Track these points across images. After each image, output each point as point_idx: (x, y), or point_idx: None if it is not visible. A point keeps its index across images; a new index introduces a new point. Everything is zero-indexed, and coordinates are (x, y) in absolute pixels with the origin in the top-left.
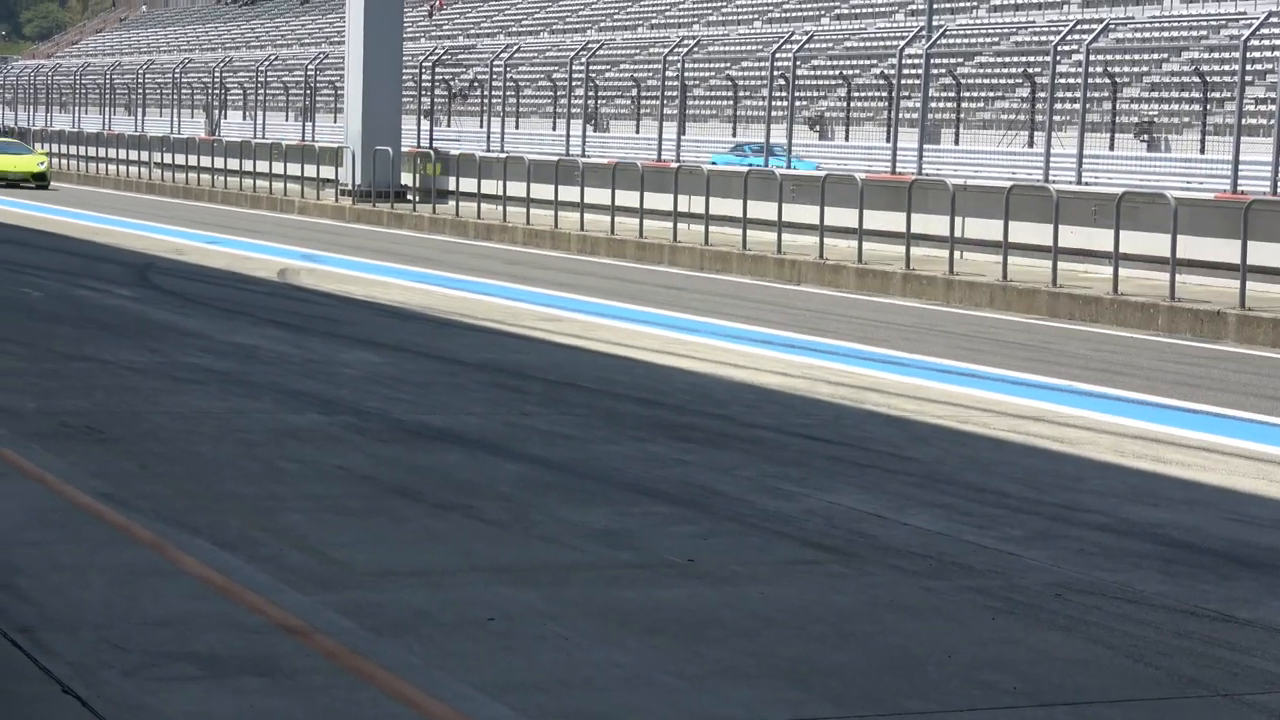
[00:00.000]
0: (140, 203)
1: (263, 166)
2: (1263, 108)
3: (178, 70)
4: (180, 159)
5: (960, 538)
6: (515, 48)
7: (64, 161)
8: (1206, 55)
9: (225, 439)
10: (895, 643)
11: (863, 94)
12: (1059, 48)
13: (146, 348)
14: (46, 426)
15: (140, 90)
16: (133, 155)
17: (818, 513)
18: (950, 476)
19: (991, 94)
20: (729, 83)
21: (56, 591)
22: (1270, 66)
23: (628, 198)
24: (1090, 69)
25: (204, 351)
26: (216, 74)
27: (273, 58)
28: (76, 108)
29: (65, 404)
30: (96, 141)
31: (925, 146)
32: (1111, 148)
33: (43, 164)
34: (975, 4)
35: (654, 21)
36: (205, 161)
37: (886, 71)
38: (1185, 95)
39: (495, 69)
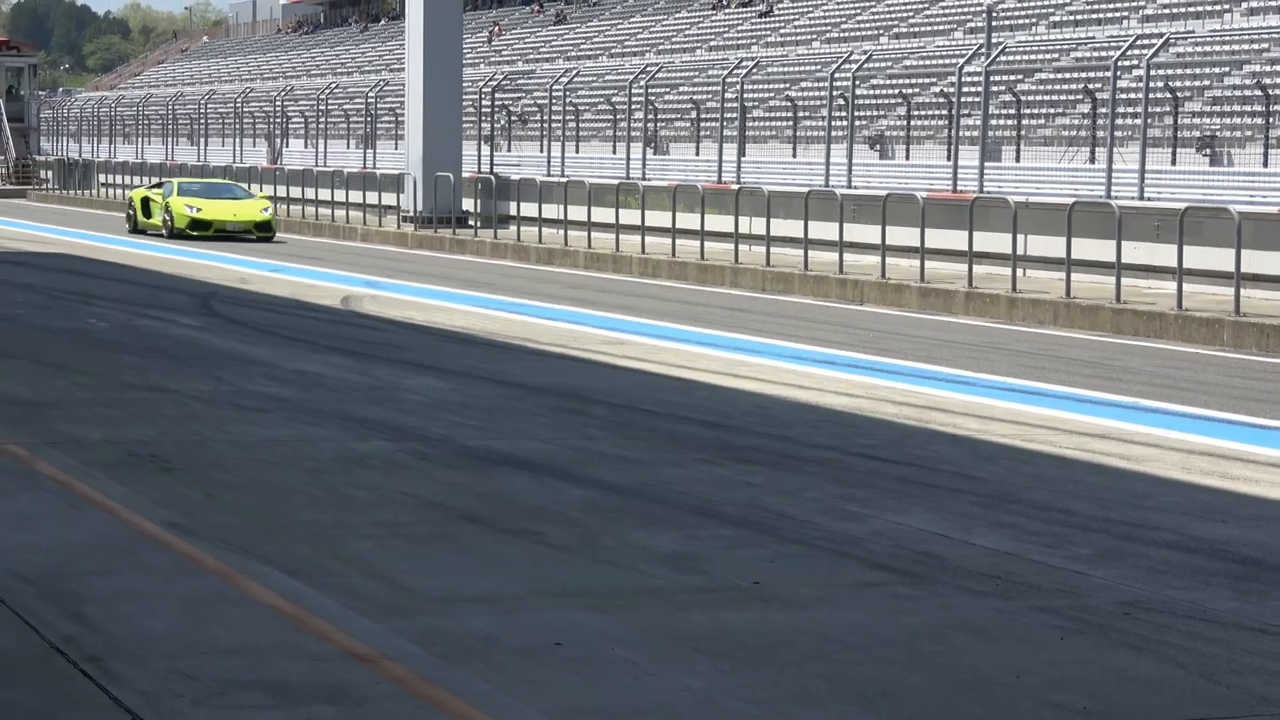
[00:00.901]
0: None
1: (325, 194)
2: None
3: (239, 99)
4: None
5: (1028, 557)
6: (574, 72)
7: (128, 192)
8: (1268, 68)
9: (292, 467)
10: (965, 664)
11: (923, 112)
12: (1119, 63)
13: (211, 376)
14: (113, 456)
15: (202, 120)
16: None
17: (884, 534)
18: (1017, 495)
19: (1052, 110)
20: (788, 103)
21: (125, 620)
22: None
23: (689, 220)
24: (1151, 84)
25: (269, 379)
26: (278, 103)
27: (333, 86)
28: (140, 138)
29: (131, 433)
30: (159, 172)
31: (986, 164)
32: (1173, 162)
33: (267, 210)
34: (1034, 21)
35: (713, 44)
36: (268, 190)
37: (946, 89)
38: (1247, 109)
39: (555, 93)
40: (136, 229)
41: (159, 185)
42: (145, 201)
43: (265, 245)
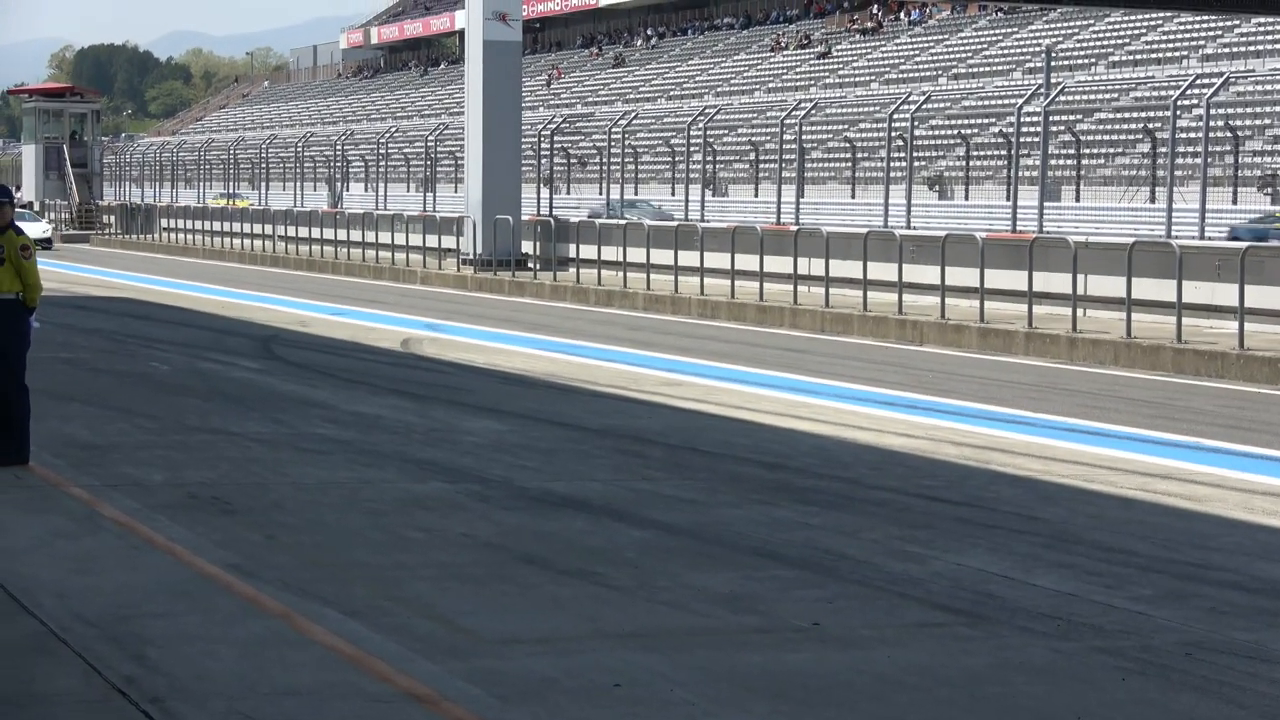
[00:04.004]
0: (265, 276)
1: (385, 237)
2: None
3: (300, 144)
4: (304, 231)
5: (1089, 598)
6: (633, 114)
7: (189, 236)
8: None
9: (351, 509)
10: (1026, 705)
11: (981, 153)
12: (1179, 102)
13: (272, 419)
14: (175, 498)
15: (263, 164)
16: (257, 229)
17: (945, 575)
18: (1078, 536)
19: (1111, 150)
20: (847, 144)
21: (186, 662)
22: None
23: (747, 261)
24: (1211, 123)
25: (328, 422)
26: (338, 146)
27: (393, 129)
28: (201, 183)
29: (193, 475)
30: (221, 216)
31: (1045, 204)
32: (1234, 201)
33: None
34: (1093, 61)
35: (771, 85)
36: (328, 234)
37: (1005, 130)
38: None
39: (613, 136)
40: None
41: None
42: None
43: (321, 287)
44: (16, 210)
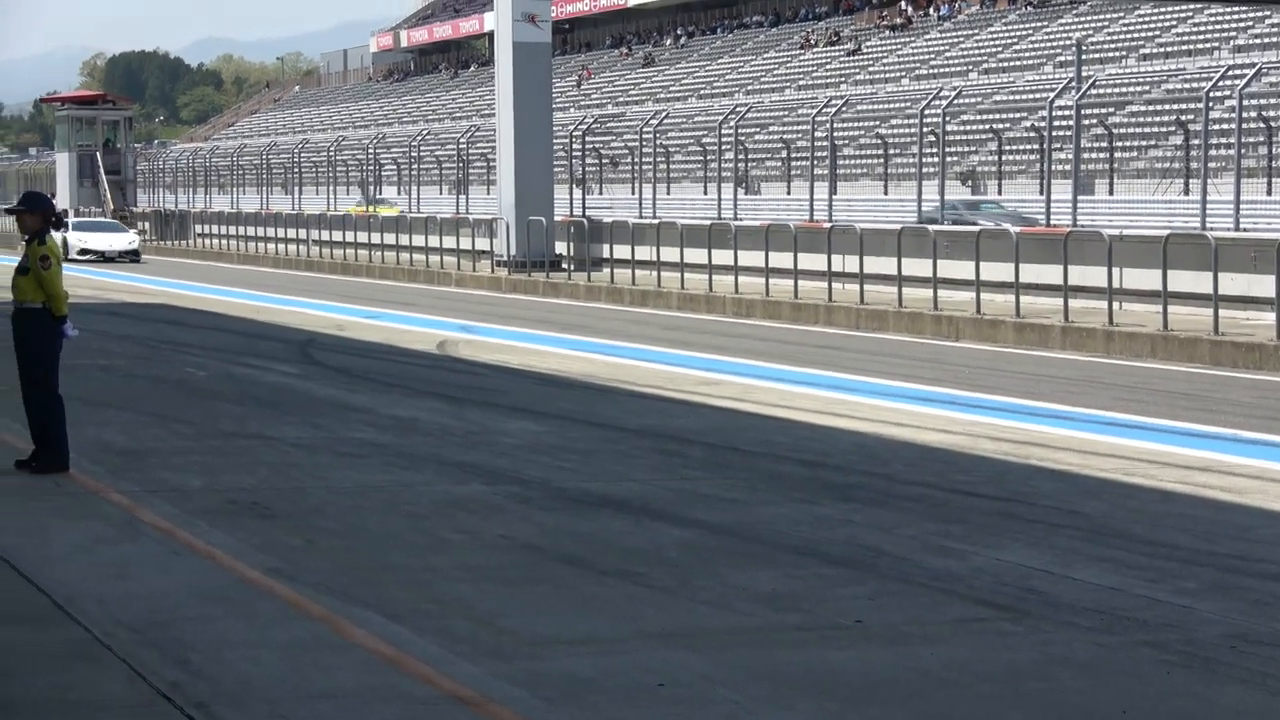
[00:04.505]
0: (299, 280)
1: (418, 240)
2: None
3: (332, 148)
4: (337, 235)
5: (1132, 592)
6: (664, 114)
7: (224, 242)
8: None
9: (390, 512)
10: (1071, 700)
11: (1014, 147)
12: (1211, 94)
13: (309, 423)
14: (214, 503)
15: (296, 169)
16: (290, 233)
17: (986, 570)
18: (1119, 530)
19: (1144, 143)
20: (879, 141)
21: (228, 667)
22: None
23: (781, 259)
24: (1244, 114)
25: (366, 425)
26: (370, 150)
27: (425, 133)
28: (234, 188)
29: (231, 481)
30: (255, 221)
31: (1079, 198)
32: (1269, 192)
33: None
34: (1124, 54)
35: (801, 83)
36: (362, 237)
37: (1037, 124)
38: None
39: (645, 135)
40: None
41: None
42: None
43: (356, 291)
44: (103, 220)
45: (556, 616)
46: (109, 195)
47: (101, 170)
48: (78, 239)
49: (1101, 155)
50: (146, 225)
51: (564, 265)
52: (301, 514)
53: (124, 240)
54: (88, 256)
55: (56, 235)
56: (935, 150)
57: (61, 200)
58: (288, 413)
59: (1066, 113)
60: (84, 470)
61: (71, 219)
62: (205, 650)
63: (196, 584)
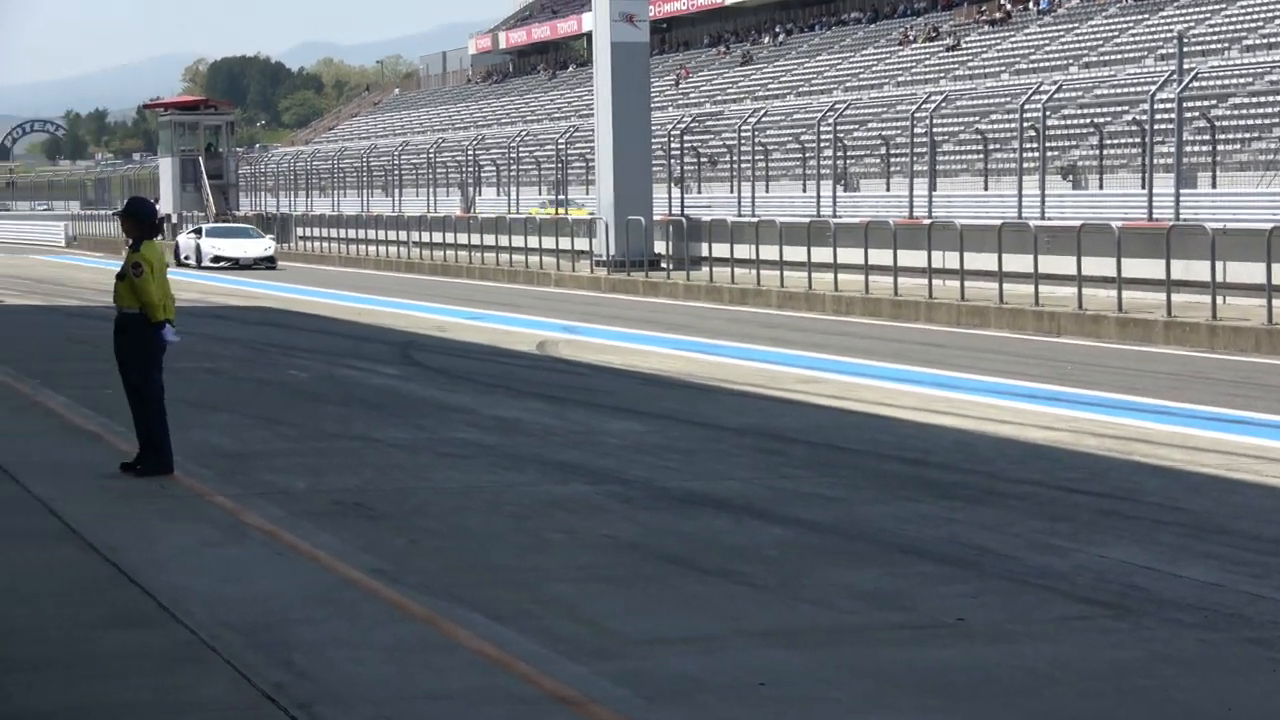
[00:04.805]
0: (400, 282)
1: (518, 241)
2: None
3: (432, 150)
4: (437, 237)
5: (1237, 588)
6: (762, 112)
7: (326, 244)
8: None
9: (493, 512)
10: (1176, 698)
11: (1115, 141)
12: None
13: (412, 424)
14: (318, 505)
15: (396, 171)
16: (391, 235)
17: (1089, 568)
18: (1223, 526)
19: (1248, 135)
20: (978, 136)
21: (333, 668)
22: None
23: (881, 256)
24: None
25: (468, 426)
26: (470, 152)
27: (524, 133)
28: (335, 190)
29: (335, 482)
30: (355, 223)
31: (1181, 191)
32: None
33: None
34: (1226, 45)
35: (899, 79)
36: (462, 238)
37: (1139, 117)
38: None
39: (743, 134)
40: (180, 264)
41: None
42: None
43: (456, 292)
44: (237, 225)
45: (659, 616)
46: (211, 199)
47: (204, 175)
48: (211, 245)
49: (1204, 148)
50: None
51: (663, 264)
52: (405, 515)
53: (259, 246)
54: (221, 264)
55: (189, 241)
56: (1035, 145)
57: (165, 205)
58: (390, 414)
59: (1168, 106)
60: (189, 473)
61: (205, 225)
62: (310, 652)
63: (301, 585)
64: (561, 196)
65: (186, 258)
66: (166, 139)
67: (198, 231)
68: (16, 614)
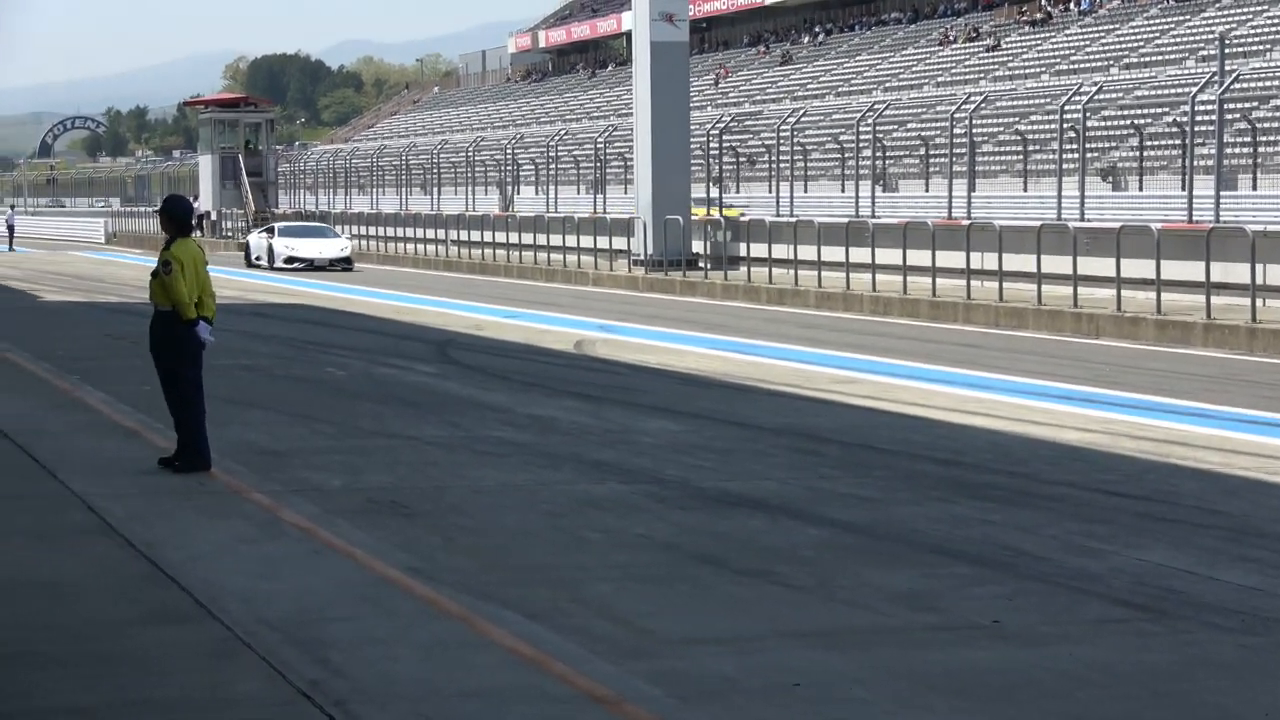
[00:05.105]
0: (438, 280)
1: (556, 240)
2: None
3: (471, 148)
4: (475, 235)
5: (1275, 593)
6: (801, 111)
7: (364, 242)
8: None
9: (529, 510)
10: (1212, 701)
11: (1155, 143)
12: None
13: (448, 422)
14: (354, 502)
15: (435, 170)
16: (429, 234)
17: (1125, 570)
18: (1262, 530)
19: None
20: (1018, 137)
21: (368, 665)
22: None
23: (919, 257)
24: None
25: (504, 424)
26: (508, 151)
27: (563, 133)
28: (374, 189)
29: (371, 480)
30: (394, 222)
31: (1222, 193)
32: None
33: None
34: (1268, 47)
35: (939, 79)
36: (500, 237)
37: (1179, 119)
38: None
39: (782, 134)
40: (250, 264)
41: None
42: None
43: (494, 291)
44: (312, 224)
45: (694, 616)
46: (250, 197)
47: (243, 172)
48: (284, 245)
49: (1245, 150)
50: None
51: (701, 264)
52: (441, 513)
53: (335, 246)
54: (295, 265)
55: (261, 241)
56: (1075, 146)
57: (204, 202)
58: (427, 412)
59: (1209, 107)
60: (227, 470)
61: (278, 223)
62: (345, 649)
63: (337, 583)
64: (718, 197)
65: (258, 258)
66: (206, 136)
67: (270, 230)
68: (54, 609)
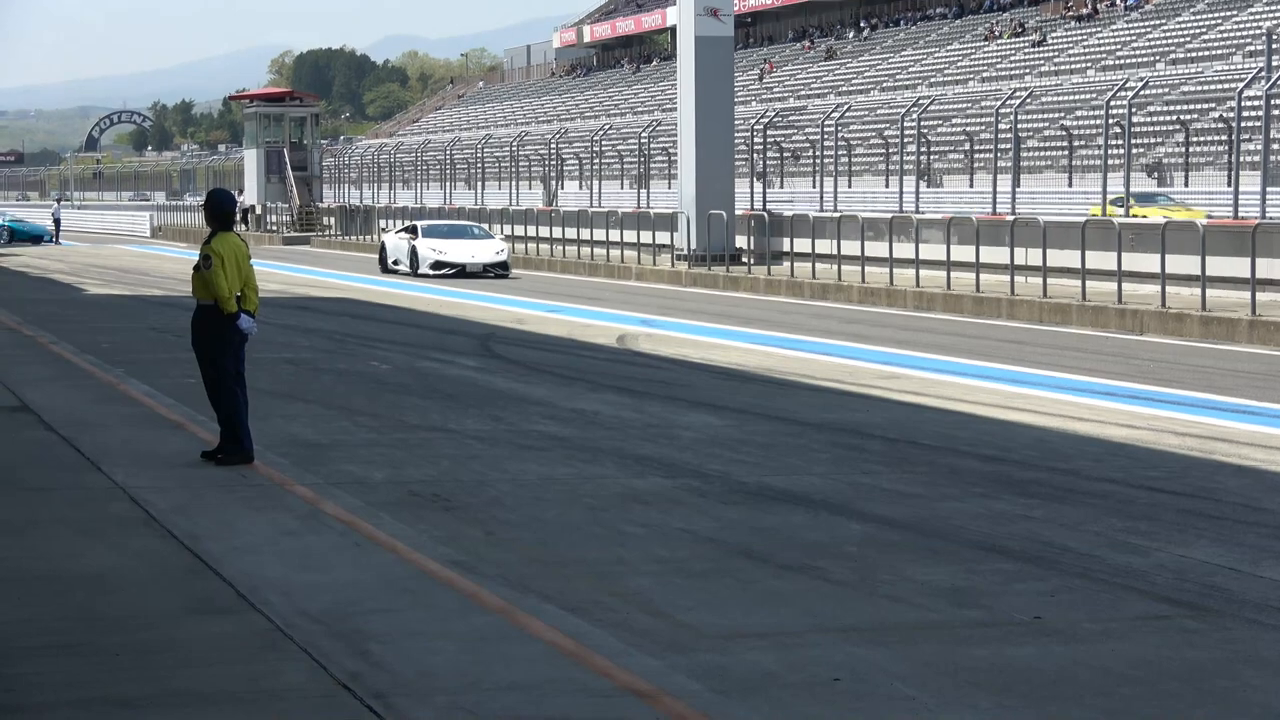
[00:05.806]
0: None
1: (599, 234)
2: None
3: (515, 143)
4: (519, 230)
5: None
6: (846, 107)
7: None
8: None
9: (570, 504)
10: (1255, 699)
11: (1201, 138)
12: None
13: (490, 416)
14: (396, 495)
15: (479, 164)
16: None
17: (1168, 567)
18: None
19: None
20: (1063, 132)
21: (409, 658)
22: None
23: (963, 252)
24: None
25: (546, 418)
26: (552, 145)
27: (607, 127)
28: (419, 183)
29: (413, 473)
30: (438, 216)
31: (1268, 189)
32: None
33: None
34: None
35: (985, 75)
36: (544, 231)
37: (1226, 115)
38: None
39: (826, 129)
40: (387, 269)
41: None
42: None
43: (536, 285)
44: (461, 224)
45: (736, 610)
46: (295, 191)
47: (288, 166)
48: (429, 248)
49: None
50: (331, 220)
51: (744, 259)
52: (482, 506)
53: (489, 250)
54: (444, 271)
55: (400, 243)
56: (1120, 142)
57: (249, 196)
58: (469, 405)
59: (1256, 103)
60: (269, 462)
61: (421, 222)
62: (386, 641)
63: (378, 575)
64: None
65: (396, 262)
66: (252, 130)
67: (411, 230)
68: (98, 601)
